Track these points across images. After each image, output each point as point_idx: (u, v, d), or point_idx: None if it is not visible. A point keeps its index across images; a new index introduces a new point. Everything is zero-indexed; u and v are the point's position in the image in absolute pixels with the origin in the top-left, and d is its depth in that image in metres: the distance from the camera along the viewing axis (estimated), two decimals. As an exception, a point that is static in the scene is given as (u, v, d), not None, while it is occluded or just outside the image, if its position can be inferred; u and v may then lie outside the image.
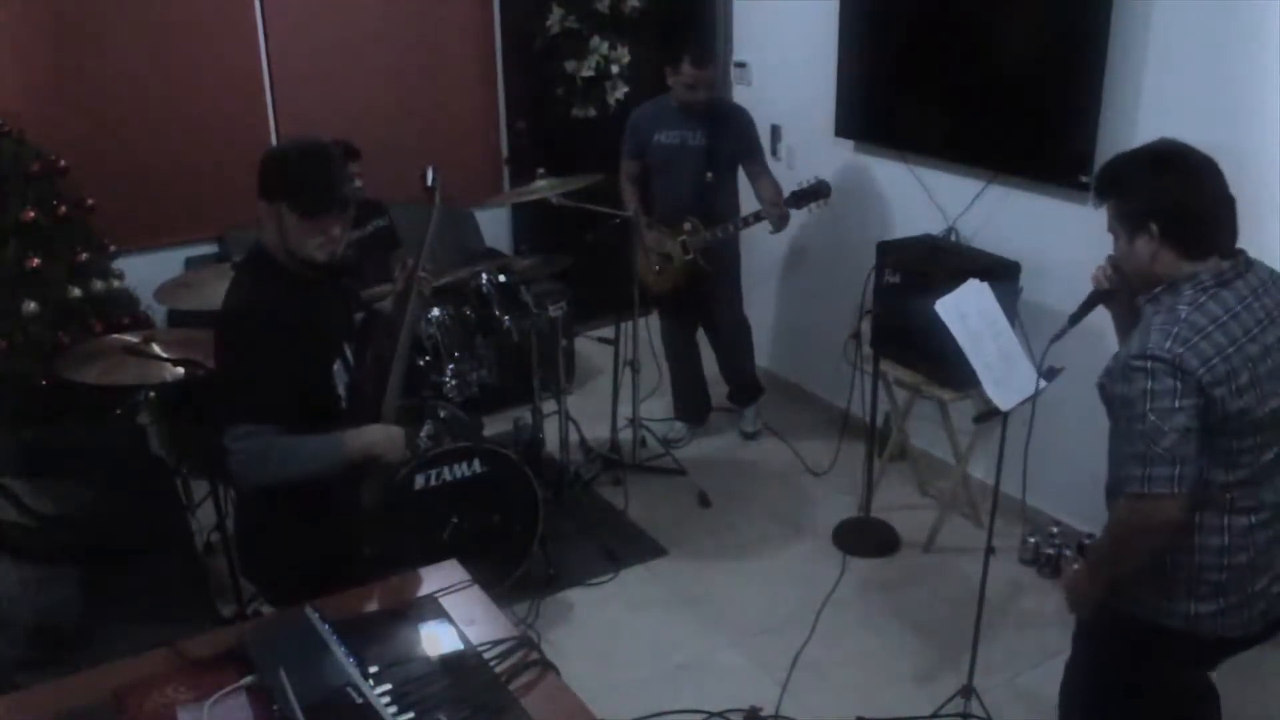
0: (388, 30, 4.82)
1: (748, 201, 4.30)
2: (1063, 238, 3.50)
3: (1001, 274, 3.52)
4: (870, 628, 3.42)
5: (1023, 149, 3.56)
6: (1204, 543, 2.01)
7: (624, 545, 3.84)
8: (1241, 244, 2.04)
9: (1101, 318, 2.26)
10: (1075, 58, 3.30)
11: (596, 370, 5.25)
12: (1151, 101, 3.18)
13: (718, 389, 4.74)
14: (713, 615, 3.49)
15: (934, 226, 3.99)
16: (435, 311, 3.52)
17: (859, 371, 3.94)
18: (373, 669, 1.78)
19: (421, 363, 3.48)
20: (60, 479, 3.11)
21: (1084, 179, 3.32)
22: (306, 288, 2.30)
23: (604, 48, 5.12)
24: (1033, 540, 3.68)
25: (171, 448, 3.73)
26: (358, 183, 3.64)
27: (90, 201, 3.81)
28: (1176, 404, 1.89)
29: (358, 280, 3.21)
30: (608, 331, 4.40)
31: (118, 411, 3.62)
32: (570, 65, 5.14)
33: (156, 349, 3.13)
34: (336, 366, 2.41)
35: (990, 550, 2.87)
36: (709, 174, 4.16)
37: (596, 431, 4.51)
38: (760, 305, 4.94)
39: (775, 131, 4.70)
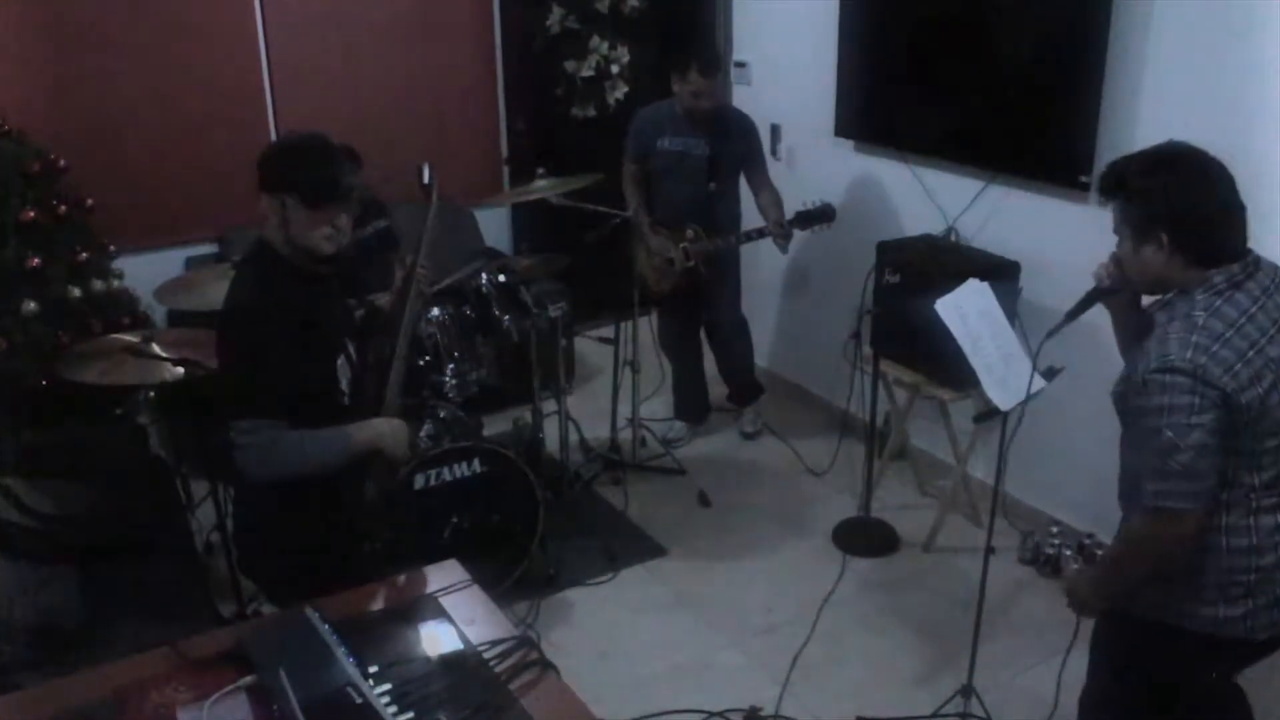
0: (388, 30, 4.82)
1: (749, 208, 4.30)
2: (1063, 238, 3.50)
3: (1001, 274, 3.52)
4: (870, 628, 3.42)
5: (1023, 149, 3.56)
6: (1232, 544, 1.98)
7: (624, 545, 3.84)
8: (1243, 244, 2.02)
9: (1101, 316, 2.24)
10: (1075, 58, 3.30)
11: (596, 370, 5.24)
12: (1151, 101, 3.18)
13: (718, 389, 4.74)
14: (713, 615, 3.49)
15: (934, 226, 3.99)
16: (435, 311, 3.51)
17: (859, 371, 3.94)
18: (373, 669, 1.78)
19: (421, 362, 3.48)
20: (60, 479, 3.11)
21: (1084, 179, 3.32)
22: (310, 282, 2.30)
23: (604, 48, 5.11)
24: (1033, 539, 3.69)
25: (171, 448, 3.73)
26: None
27: (90, 201, 3.80)
28: (1193, 420, 1.85)
29: (358, 281, 3.21)
30: (608, 331, 4.40)
31: (118, 411, 3.63)
32: (570, 65, 5.14)
33: (156, 349, 3.13)
34: (340, 362, 2.41)
35: (990, 550, 2.87)
36: (711, 184, 4.15)
37: (596, 431, 4.51)
38: (760, 305, 4.94)
39: (775, 131, 4.70)
